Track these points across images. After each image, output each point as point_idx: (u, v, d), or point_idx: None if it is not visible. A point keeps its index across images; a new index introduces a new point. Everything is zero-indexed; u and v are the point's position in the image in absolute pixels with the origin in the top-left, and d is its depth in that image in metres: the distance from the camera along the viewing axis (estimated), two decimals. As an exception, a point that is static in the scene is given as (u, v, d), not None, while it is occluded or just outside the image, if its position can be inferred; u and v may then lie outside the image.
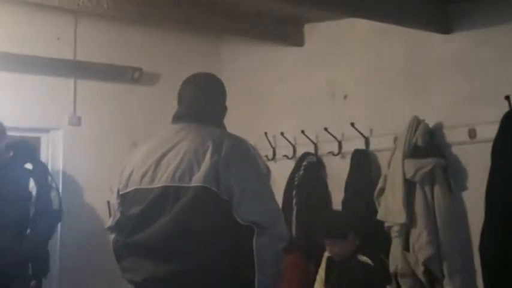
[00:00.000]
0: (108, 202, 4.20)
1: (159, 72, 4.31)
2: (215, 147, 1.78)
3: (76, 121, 4.03)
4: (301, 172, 3.58)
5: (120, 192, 1.93)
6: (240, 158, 1.80)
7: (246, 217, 1.72)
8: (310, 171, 3.56)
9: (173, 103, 2.10)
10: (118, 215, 1.96)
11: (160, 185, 1.80)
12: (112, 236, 1.99)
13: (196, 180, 1.74)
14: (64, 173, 3.94)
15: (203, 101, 1.98)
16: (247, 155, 1.85)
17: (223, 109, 2.06)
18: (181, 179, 1.76)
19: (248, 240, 1.71)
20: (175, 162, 1.80)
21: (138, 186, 1.86)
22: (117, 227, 1.96)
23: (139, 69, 4.18)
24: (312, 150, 3.62)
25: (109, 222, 2.01)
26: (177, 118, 1.98)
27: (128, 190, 1.89)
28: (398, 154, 2.91)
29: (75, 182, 3.95)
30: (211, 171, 1.74)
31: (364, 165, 3.25)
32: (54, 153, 3.99)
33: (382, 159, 3.16)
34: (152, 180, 1.82)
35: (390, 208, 2.88)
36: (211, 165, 1.75)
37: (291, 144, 3.79)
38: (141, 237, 1.81)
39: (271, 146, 3.93)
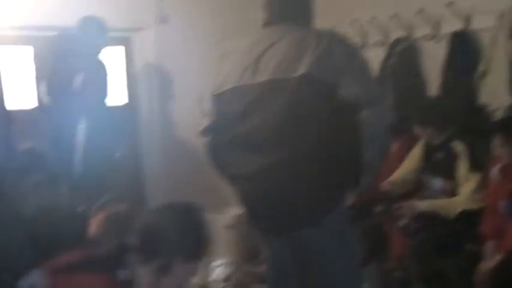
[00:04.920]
0: (202, 97, 4.36)
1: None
2: (317, 40, 1.79)
3: (164, 19, 4.03)
4: (394, 60, 3.42)
5: (216, 93, 1.96)
6: (342, 44, 1.84)
7: (350, 94, 1.73)
8: (403, 58, 3.39)
9: None
10: (214, 115, 1.99)
11: (263, 79, 1.80)
12: (207, 138, 2.03)
13: (300, 70, 1.75)
14: (155, 72, 4.04)
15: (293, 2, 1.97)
16: (349, 43, 1.90)
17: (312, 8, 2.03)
18: (285, 71, 1.77)
19: (353, 119, 1.74)
20: (277, 57, 1.80)
21: (237, 84, 1.87)
22: (213, 128, 2.00)
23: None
24: (405, 35, 3.41)
25: (203, 124, 2.05)
26: (268, 20, 1.97)
27: (225, 89, 1.91)
28: (503, 33, 2.68)
29: (166, 81, 4.05)
30: (316, 59, 1.74)
31: (463, 47, 3.03)
32: (144, 53, 4.07)
33: (484, 39, 2.92)
34: (253, 76, 1.83)
35: (494, 91, 2.71)
36: (315, 54, 1.75)
37: (382, 30, 3.58)
38: (247, 132, 1.85)
39: (361, 33, 3.74)
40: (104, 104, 3.42)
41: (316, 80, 1.73)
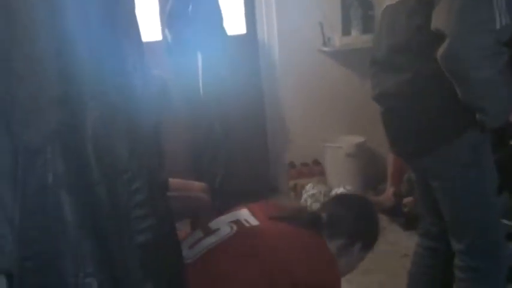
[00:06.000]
0: (321, 23, 4.23)
1: None
2: None
3: None
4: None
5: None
6: None
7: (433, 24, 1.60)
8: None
9: None
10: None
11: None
12: None
13: None
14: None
15: None
16: None
17: None
18: None
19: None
20: None
21: (387, 4, 1.88)
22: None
23: None
24: None
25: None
26: None
27: (382, 9, 1.94)
28: None
29: (284, 7, 3.96)
30: None
31: None
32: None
33: None
34: None
35: None
36: None
37: None
38: (377, 54, 1.89)
39: None
40: (218, 30, 3.41)
41: (431, 5, 1.62)
